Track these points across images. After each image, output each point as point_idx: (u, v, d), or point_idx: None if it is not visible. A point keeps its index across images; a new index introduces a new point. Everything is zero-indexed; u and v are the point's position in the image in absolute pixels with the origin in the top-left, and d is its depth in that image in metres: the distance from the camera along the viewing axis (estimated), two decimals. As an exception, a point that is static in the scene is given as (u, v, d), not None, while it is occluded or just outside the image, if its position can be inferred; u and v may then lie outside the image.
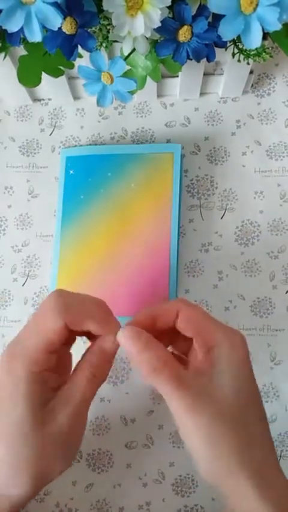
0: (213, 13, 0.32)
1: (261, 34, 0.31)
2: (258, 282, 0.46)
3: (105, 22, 0.36)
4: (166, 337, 0.34)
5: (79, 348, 0.34)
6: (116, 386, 0.45)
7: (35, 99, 0.52)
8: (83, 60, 0.40)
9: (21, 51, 0.40)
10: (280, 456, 0.43)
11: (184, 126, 0.51)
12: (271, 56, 0.38)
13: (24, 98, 0.51)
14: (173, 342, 0.35)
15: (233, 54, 0.39)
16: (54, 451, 0.30)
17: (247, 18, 0.30)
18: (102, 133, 0.51)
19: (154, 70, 0.41)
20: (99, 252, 0.46)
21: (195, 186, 0.49)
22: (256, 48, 0.36)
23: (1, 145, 0.51)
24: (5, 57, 0.41)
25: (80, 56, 0.37)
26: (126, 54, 0.35)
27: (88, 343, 0.34)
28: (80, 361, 0.33)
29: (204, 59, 0.35)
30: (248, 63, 0.40)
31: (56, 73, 0.41)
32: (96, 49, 0.37)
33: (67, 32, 0.32)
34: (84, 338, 0.34)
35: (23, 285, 0.48)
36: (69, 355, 0.35)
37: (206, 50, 0.34)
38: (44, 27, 0.31)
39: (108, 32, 0.37)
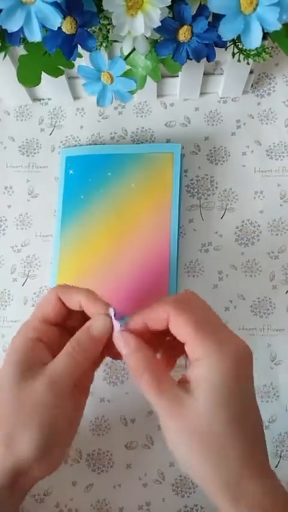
0: (213, 13, 0.32)
1: (261, 34, 0.31)
2: (258, 282, 0.46)
3: (105, 22, 0.36)
4: (164, 336, 0.34)
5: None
6: (116, 387, 0.45)
7: (35, 99, 0.52)
8: (83, 60, 0.41)
9: (21, 50, 0.40)
10: (280, 456, 0.43)
11: (184, 126, 0.51)
12: (271, 56, 0.38)
13: (24, 98, 0.51)
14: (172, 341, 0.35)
15: (233, 54, 0.39)
16: (24, 420, 0.30)
17: (247, 18, 0.30)
18: (102, 133, 0.51)
19: (154, 70, 0.41)
20: (99, 252, 0.46)
21: (195, 186, 0.49)
22: (256, 48, 0.36)
23: (1, 145, 0.51)
24: (4, 56, 0.41)
25: (80, 56, 0.37)
26: (126, 54, 0.35)
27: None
28: None
29: (204, 59, 0.35)
30: (248, 63, 0.40)
31: (55, 73, 0.41)
32: (96, 49, 0.37)
33: (67, 32, 0.32)
34: None
35: (22, 285, 0.48)
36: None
37: (206, 50, 0.34)
38: (43, 27, 0.31)
39: (108, 31, 0.37)
